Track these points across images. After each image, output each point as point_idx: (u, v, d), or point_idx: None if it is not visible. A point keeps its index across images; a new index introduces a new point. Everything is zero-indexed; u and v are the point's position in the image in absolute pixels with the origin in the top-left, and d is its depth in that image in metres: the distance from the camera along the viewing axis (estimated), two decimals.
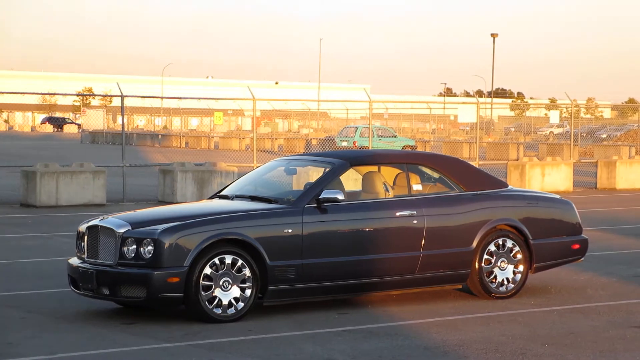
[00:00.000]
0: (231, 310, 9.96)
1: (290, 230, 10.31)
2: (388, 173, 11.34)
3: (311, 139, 55.17)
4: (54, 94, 33.21)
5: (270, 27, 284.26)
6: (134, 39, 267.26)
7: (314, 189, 10.67)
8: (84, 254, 10.41)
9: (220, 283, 9.94)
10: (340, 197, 10.55)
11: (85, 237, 10.40)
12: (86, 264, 10.27)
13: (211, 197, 11.75)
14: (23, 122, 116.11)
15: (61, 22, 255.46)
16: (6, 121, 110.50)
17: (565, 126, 67.21)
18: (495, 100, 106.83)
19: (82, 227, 10.57)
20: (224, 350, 8.82)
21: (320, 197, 10.54)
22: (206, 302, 9.86)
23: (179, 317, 10.16)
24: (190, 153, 50.18)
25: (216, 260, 9.94)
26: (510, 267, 11.38)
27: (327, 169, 10.98)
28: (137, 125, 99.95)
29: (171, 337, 9.32)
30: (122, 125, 26.23)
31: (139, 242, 9.89)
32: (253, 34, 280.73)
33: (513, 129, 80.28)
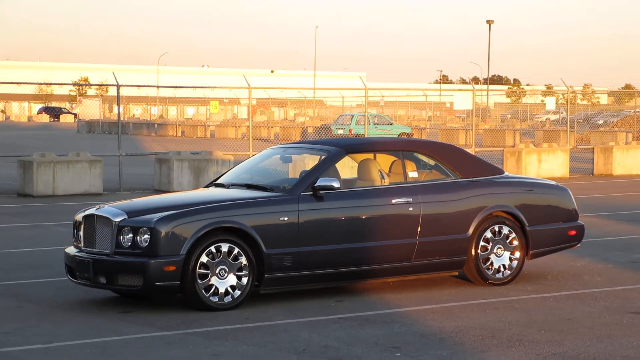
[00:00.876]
0: (228, 299, 9.96)
1: (286, 218, 10.31)
2: (384, 160, 11.34)
3: (307, 127, 55.13)
4: (50, 84, 33.19)
5: (266, 16, 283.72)
6: (130, 28, 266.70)
7: (309, 176, 10.66)
8: (80, 243, 10.40)
9: (217, 271, 9.93)
10: (336, 184, 10.54)
11: (82, 226, 10.39)
12: (83, 253, 10.26)
13: (207, 186, 11.75)
14: (19, 112, 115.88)
15: (56, 12, 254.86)
16: (3, 111, 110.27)
17: (562, 112, 67.20)
18: (491, 87, 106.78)
19: (79, 217, 10.56)
20: (221, 339, 8.82)
21: (316, 184, 10.53)
22: (203, 291, 9.86)
23: (176, 305, 10.16)
24: (186, 142, 50.12)
25: (212, 248, 9.94)
26: (507, 254, 11.39)
27: (323, 157, 10.97)
28: (134, 115, 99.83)
29: (168, 326, 9.32)
30: (118, 114, 26.24)
31: (135, 230, 9.88)
32: (249, 22, 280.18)
33: (509, 116, 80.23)
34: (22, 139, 50.02)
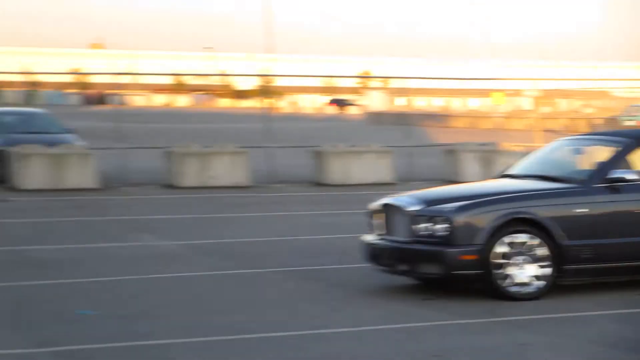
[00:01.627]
0: (529, 289, 9.91)
1: (581, 210, 10.21)
2: None
3: (594, 118, 53.64)
4: (333, 77, 34.23)
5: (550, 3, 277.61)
6: (420, 21, 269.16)
7: (604, 168, 10.48)
8: (378, 231, 10.71)
9: (515, 261, 9.92)
10: (631, 176, 10.33)
11: (378, 215, 10.68)
12: (382, 241, 10.56)
13: (497, 177, 11.82)
14: (307, 104, 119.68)
15: (348, 5, 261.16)
16: (293, 103, 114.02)
17: None
18: None
19: (375, 206, 10.86)
20: (525, 328, 8.79)
21: (610, 176, 10.36)
22: (501, 280, 9.90)
23: (474, 293, 10.15)
24: (470, 133, 50.03)
25: (509, 238, 9.95)
26: None
27: (616, 148, 10.73)
28: (417, 106, 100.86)
29: (469, 313, 9.38)
30: (406, 106, 26.75)
31: (432, 220, 10.05)
32: (537, 12, 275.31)
33: None
34: (312, 130, 51.60)
